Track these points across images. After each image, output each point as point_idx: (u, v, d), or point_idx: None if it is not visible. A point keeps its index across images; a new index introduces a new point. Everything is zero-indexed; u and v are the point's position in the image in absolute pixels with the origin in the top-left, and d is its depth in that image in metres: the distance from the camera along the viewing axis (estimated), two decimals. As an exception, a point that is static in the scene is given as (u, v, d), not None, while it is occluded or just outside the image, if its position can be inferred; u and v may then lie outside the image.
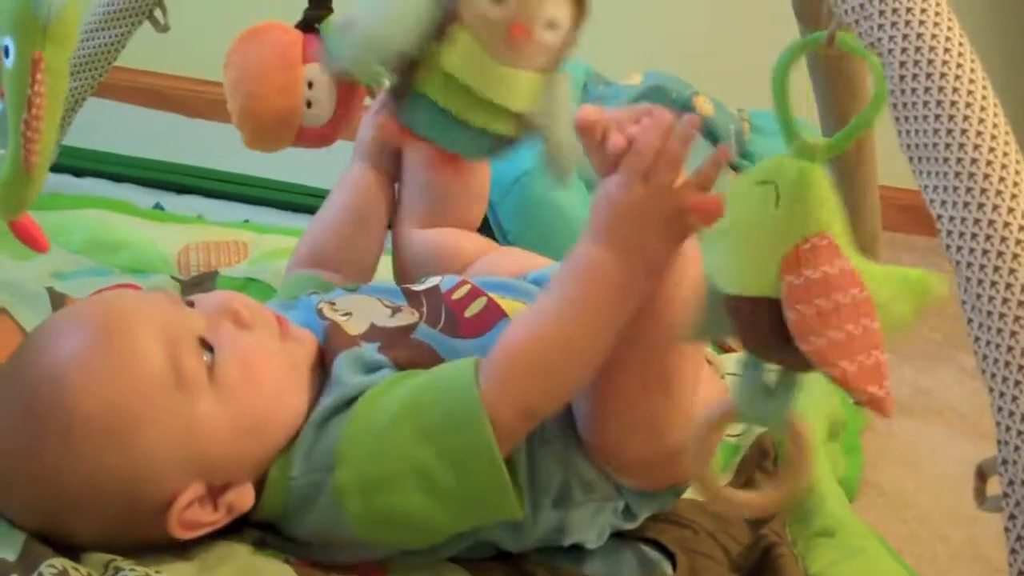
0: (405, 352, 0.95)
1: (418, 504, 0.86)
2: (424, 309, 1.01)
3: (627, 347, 0.88)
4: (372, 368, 0.93)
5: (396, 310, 1.00)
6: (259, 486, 0.91)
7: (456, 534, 0.92)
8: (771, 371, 0.75)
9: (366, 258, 1.22)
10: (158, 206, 1.74)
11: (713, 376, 1.09)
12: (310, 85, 1.09)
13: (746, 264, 0.72)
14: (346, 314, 0.99)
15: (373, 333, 0.97)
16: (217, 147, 1.99)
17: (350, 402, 0.90)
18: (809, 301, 0.69)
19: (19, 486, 0.86)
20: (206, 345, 0.88)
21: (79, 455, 0.84)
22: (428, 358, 0.95)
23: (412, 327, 0.98)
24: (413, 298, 1.03)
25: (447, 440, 0.86)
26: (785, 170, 0.70)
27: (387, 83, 1.13)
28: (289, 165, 1.72)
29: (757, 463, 1.18)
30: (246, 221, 1.71)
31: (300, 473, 0.89)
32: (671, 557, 1.01)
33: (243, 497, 0.89)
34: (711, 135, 1.85)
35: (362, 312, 1.00)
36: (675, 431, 0.91)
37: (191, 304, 0.94)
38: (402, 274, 1.22)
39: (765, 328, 0.72)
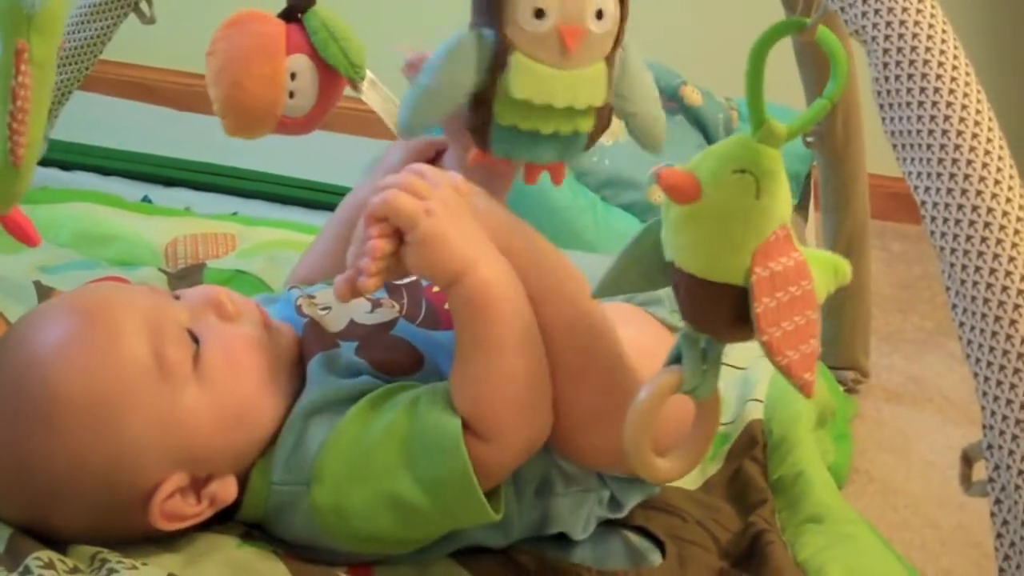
0: (383, 354, 0.94)
1: (391, 527, 0.88)
2: (404, 301, 1.01)
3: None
4: (349, 372, 0.93)
5: (376, 304, 1.00)
6: (241, 488, 0.91)
7: (441, 539, 0.93)
8: (703, 341, 0.77)
9: None
10: (146, 199, 1.74)
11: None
12: (292, 76, 1.09)
13: (717, 251, 0.72)
14: (325, 308, 0.99)
15: (352, 330, 0.97)
16: (205, 140, 1.98)
17: (330, 405, 0.90)
18: (772, 294, 0.71)
19: (1, 472, 0.86)
20: (191, 336, 0.88)
21: (60, 440, 0.84)
22: (407, 357, 0.94)
23: (391, 323, 0.98)
24: (394, 291, 1.02)
25: (427, 467, 0.86)
26: (762, 160, 0.71)
27: (369, 76, 1.13)
28: (277, 157, 1.72)
29: (746, 451, 1.18)
30: (234, 213, 1.70)
31: (280, 480, 0.90)
32: (660, 545, 1.02)
33: (226, 489, 0.89)
34: (700, 124, 1.85)
35: (341, 306, 0.99)
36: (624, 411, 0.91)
37: (176, 297, 0.94)
38: None
39: (721, 311, 0.73)
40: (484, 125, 0.89)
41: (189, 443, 0.86)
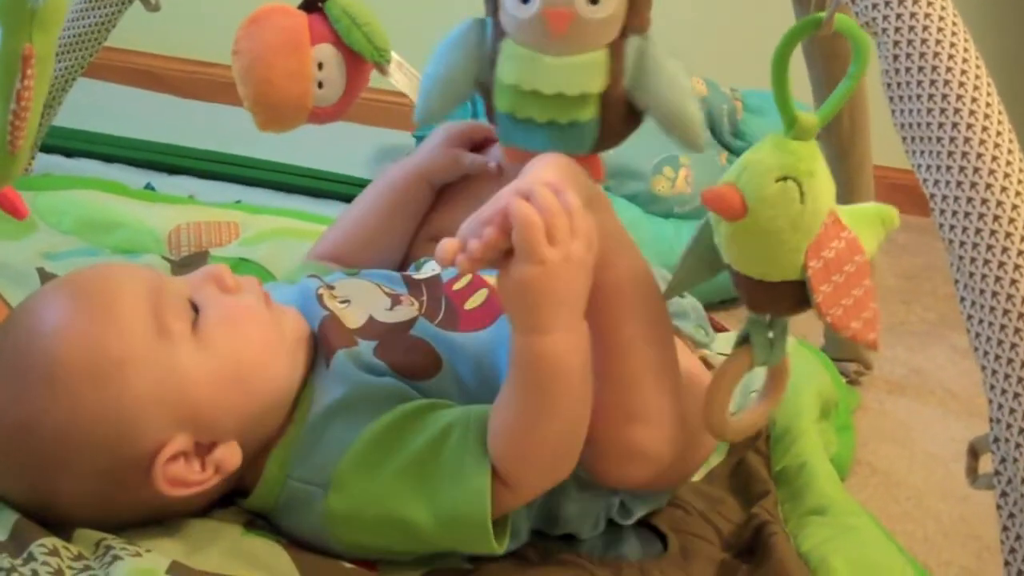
0: (402, 356, 0.94)
1: (398, 545, 0.90)
2: (424, 299, 1.00)
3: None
4: (371, 372, 0.92)
5: (396, 301, 0.99)
6: (255, 477, 0.91)
7: None
8: (768, 318, 0.81)
9: (386, 260, 1.17)
10: (149, 186, 1.74)
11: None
12: (320, 66, 1.09)
13: (772, 258, 0.75)
14: (344, 301, 0.99)
15: (371, 329, 0.96)
16: (208, 127, 2.00)
17: (357, 404, 0.90)
18: (828, 280, 0.75)
19: (4, 440, 0.85)
20: (192, 305, 0.89)
21: (63, 401, 0.84)
22: (425, 358, 0.94)
23: (411, 323, 0.97)
24: (413, 286, 1.02)
25: (447, 506, 0.86)
26: (801, 162, 0.72)
27: (395, 58, 1.13)
28: (281, 146, 1.71)
29: (749, 443, 1.18)
30: (238, 201, 1.70)
31: (298, 475, 0.90)
32: (663, 537, 1.02)
33: (230, 455, 0.89)
34: (705, 115, 1.85)
35: (361, 300, 0.99)
36: (666, 449, 0.92)
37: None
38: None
39: (782, 302, 0.78)
40: (490, 113, 0.89)
41: (189, 402, 0.86)
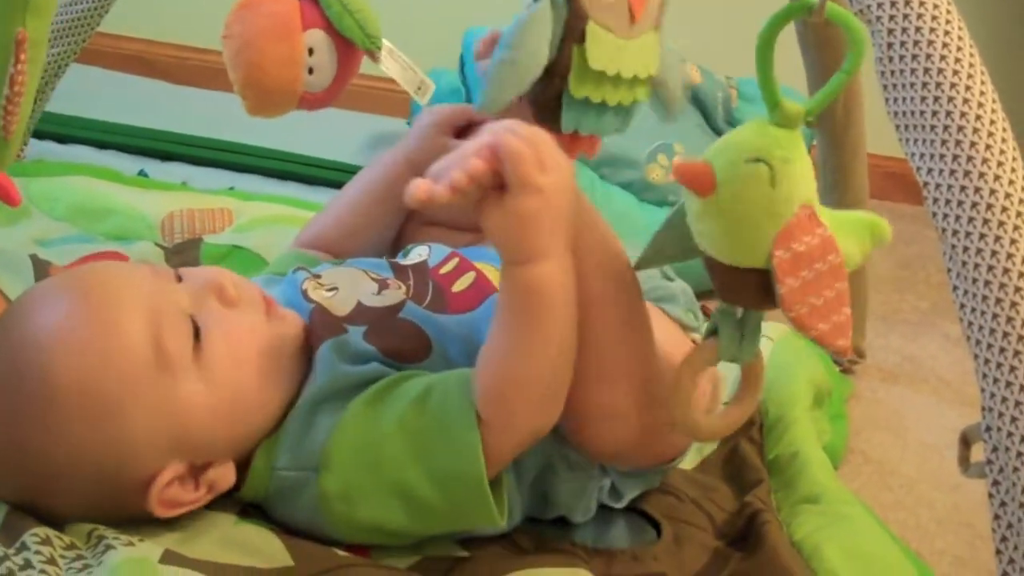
0: (392, 340, 0.94)
1: (400, 518, 0.88)
2: (411, 283, 1.00)
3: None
4: (358, 359, 0.92)
5: (383, 285, 0.99)
6: (244, 469, 0.91)
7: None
8: (738, 311, 0.80)
9: (374, 247, 1.18)
10: (142, 173, 1.73)
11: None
12: (310, 52, 1.08)
13: (740, 241, 0.74)
14: (332, 289, 0.99)
15: (359, 314, 0.96)
16: (202, 114, 1.99)
17: (339, 393, 0.90)
18: (796, 274, 0.72)
19: (1, 458, 0.85)
20: (192, 323, 0.88)
21: (59, 431, 0.83)
22: (416, 341, 0.94)
23: (399, 306, 0.97)
24: (400, 272, 1.02)
25: (438, 464, 0.86)
26: (776, 147, 0.71)
27: (387, 45, 1.12)
28: (274, 132, 1.71)
29: (743, 431, 1.18)
30: (231, 188, 1.70)
31: (285, 465, 0.89)
32: (656, 525, 1.02)
33: (224, 475, 0.89)
34: (699, 103, 1.85)
35: (348, 287, 0.99)
36: (643, 413, 0.91)
37: (179, 277, 0.92)
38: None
39: (750, 291, 0.75)
40: (554, 98, 0.88)
41: (188, 433, 0.86)
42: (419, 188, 0.78)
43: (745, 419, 0.85)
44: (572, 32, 0.85)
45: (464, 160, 0.79)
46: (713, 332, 0.81)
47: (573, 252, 0.86)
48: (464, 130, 1.12)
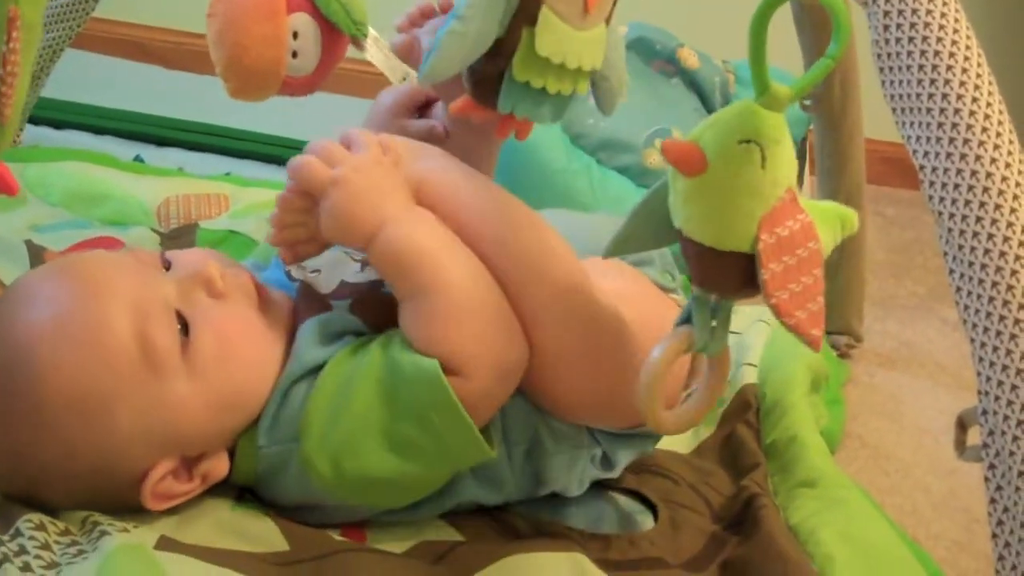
0: (377, 309, 0.93)
1: (386, 464, 0.87)
2: None
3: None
4: (336, 335, 0.92)
5: (365, 263, 0.99)
6: (232, 455, 0.91)
7: (435, 494, 0.92)
8: (712, 299, 0.78)
9: None
10: (138, 158, 1.73)
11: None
12: (295, 35, 1.08)
13: (724, 222, 0.72)
14: (315, 271, 0.98)
15: (343, 290, 0.96)
16: (198, 99, 1.98)
17: (313, 371, 0.89)
18: (779, 259, 0.72)
19: None
20: (180, 319, 0.87)
21: (50, 430, 0.83)
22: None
23: (382, 281, 0.97)
24: None
25: (407, 397, 0.86)
26: (767, 128, 0.71)
27: (372, 33, 1.11)
28: (271, 118, 1.71)
29: (740, 415, 1.18)
30: (227, 174, 1.70)
31: (267, 443, 0.89)
32: (653, 509, 1.02)
33: (218, 466, 0.89)
34: (696, 87, 1.84)
35: (331, 268, 0.98)
36: (602, 362, 0.90)
37: (167, 264, 0.92)
38: None
39: (730, 276, 0.74)
40: (495, 76, 0.88)
41: (179, 429, 0.86)
42: (280, 252, 0.91)
43: (708, 412, 0.84)
44: (525, 13, 0.84)
45: (278, 200, 0.89)
46: (686, 320, 0.79)
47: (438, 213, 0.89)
48: (424, 108, 1.12)
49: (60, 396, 0.83)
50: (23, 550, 0.78)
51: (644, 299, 1.01)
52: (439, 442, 0.87)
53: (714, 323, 0.79)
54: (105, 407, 0.83)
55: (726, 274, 0.74)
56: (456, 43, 0.85)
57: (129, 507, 0.87)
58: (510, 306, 0.88)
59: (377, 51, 1.11)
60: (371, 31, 1.11)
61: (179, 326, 0.86)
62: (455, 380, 0.85)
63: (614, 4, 0.88)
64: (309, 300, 0.95)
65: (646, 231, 0.82)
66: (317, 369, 0.89)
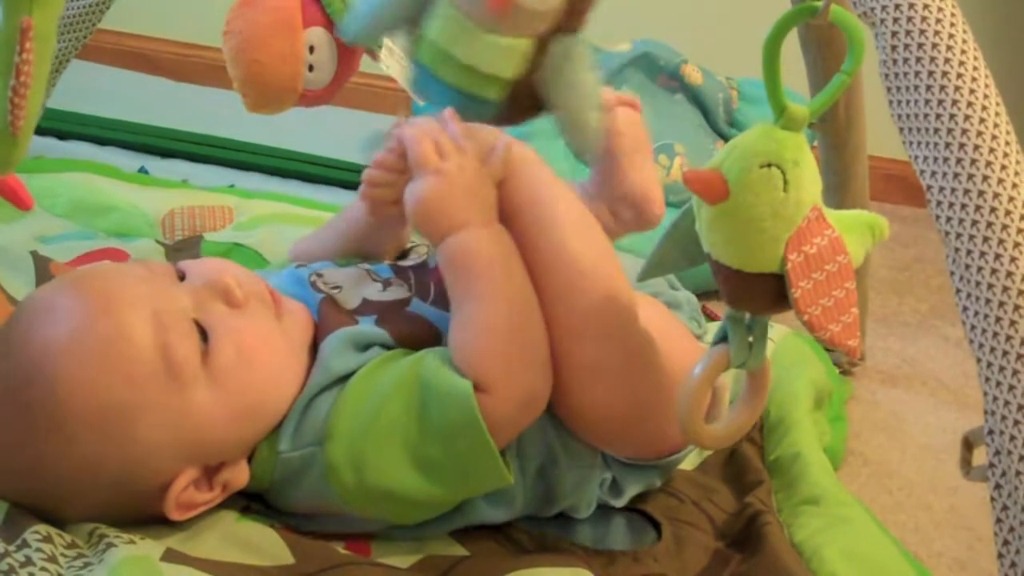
0: (403, 325, 0.94)
1: (409, 480, 0.87)
2: (412, 283, 1.00)
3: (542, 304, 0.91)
4: (363, 347, 0.92)
5: (387, 284, 0.99)
6: (249, 461, 0.91)
7: (446, 513, 0.93)
8: (746, 316, 0.80)
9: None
10: (143, 170, 1.73)
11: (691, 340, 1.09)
12: (311, 49, 1.08)
13: (750, 246, 0.74)
14: (336, 287, 0.98)
15: (367, 307, 0.96)
16: (202, 111, 1.99)
17: (339, 380, 0.90)
18: (808, 276, 0.73)
19: (11, 473, 0.84)
20: (199, 328, 0.87)
21: (73, 448, 0.83)
22: (425, 331, 0.94)
23: (406, 301, 0.98)
24: (400, 273, 1.02)
25: (437, 416, 0.86)
26: (787, 151, 0.72)
27: (386, 43, 1.12)
28: (275, 130, 1.71)
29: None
30: (232, 186, 1.70)
31: (289, 448, 0.89)
32: (656, 526, 1.02)
33: (238, 474, 0.89)
34: (700, 103, 1.85)
35: (352, 285, 0.99)
36: (624, 373, 0.92)
37: (182, 274, 0.92)
38: None
39: (761, 296, 0.76)
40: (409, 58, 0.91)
41: (201, 440, 0.86)
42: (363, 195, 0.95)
43: (751, 426, 0.86)
44: None
45: (376, 159, 0.93)
46: (721, 339, 0.81)
47: (513, 219, 0.92)
48: None
49: (82, 410, 0.82)
50: (29, 561, 0.78)
51: (678, 333, 1.03)
52: (461, 464, 0.88)
53: (750, 339, 0.80)
54: (127, 419, 0.83)
55: (756, 294, 0.76)
56: (367, 8, 0.90)
57: (146, 518, 0.87)
58: (556, 315, 0.90)
59: (392, 60, 1.12)
60: (386, 41, 1.12)
61: (198, 335, 0.87)
62: (483, 397, 0.86)
63: (569, 28, 0.88)
64: (335, 314, 0.95)
65: (678, 253, 0.85)
66: (344, 378, 0.90)
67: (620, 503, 1.01)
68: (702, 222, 0.75)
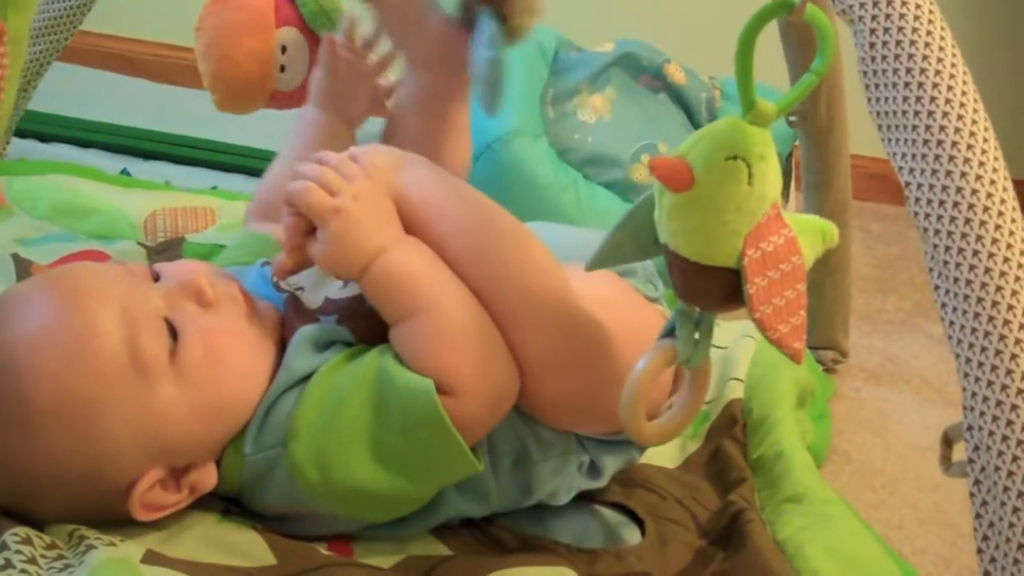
0: (363, 323, 0.93)
1: (373, 474, 0.87)
2: None
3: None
4: (324, 346, 0.92)
5: (347, 280, 0.99)
6: (218, 465, 0.90)
7: (421, 510, 0.92)
8: (695, 312, 0.79)
9: None
10: (125, 172, 1.73)
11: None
12: (283, 49, 1.08)
13: (710, 237, 0.73)
14: (298, 288, 0.98)
15: (328, 307, 0.96)
16: (185, 113, 1.99)
17: (301, 380, 0.89)
18: (763, 274, 0.72)
19: None
20: (170, 327, 0.87)
21: (38, 442, 0.83)
22: (386, 326, 0.94)
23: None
24: None
25: (397, 409, 0.86)
26: (753, 144, 0.71)
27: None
28: (258, 131, 1.71)
29: (726, 430, 1.18)
30: (214, 187, 1.70)
31: (253, 450, 0.89)
32: (639, 523, 1.02)
33: (206, 477, 0.89)
34: (683, 103, 1.85)
35: (313, 286, 0.98)
36: (583, 364, 0.91)
37: (156, 275, 0.92)
38: None
39: (715, 291, 0.75)
40: None
41: (167, 438, 0.86)
42: (278, 268, 0.91)
43: (691, 423, 0.85)
44: None
45: (283, 223, 0.90)
46: (669, 333, 0.80)
47: (423, 227, 0.91)
48: None
49: (49, 403, 0.82)
50: (9, 563, 0.78)
51: (627, 305, 1.01)
52: (426, 456, 0.87)
53: (697, 336, 0.80)
54: (94, 413, 0.83)
55: (710, 288, 0.75)
56: None
57: (117, 519, 0.87)
58: (491, 312, 0.89)
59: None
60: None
61: (168, 333, 0.86)
62: (448, 400, 0.85)
63: None
64: (297, 313, 0.95)
65: (631, 244, 0.83)
66: (306, 378, 0.89)
67: (602, 483, 1.01)
68: (662, 210, 0.75)
